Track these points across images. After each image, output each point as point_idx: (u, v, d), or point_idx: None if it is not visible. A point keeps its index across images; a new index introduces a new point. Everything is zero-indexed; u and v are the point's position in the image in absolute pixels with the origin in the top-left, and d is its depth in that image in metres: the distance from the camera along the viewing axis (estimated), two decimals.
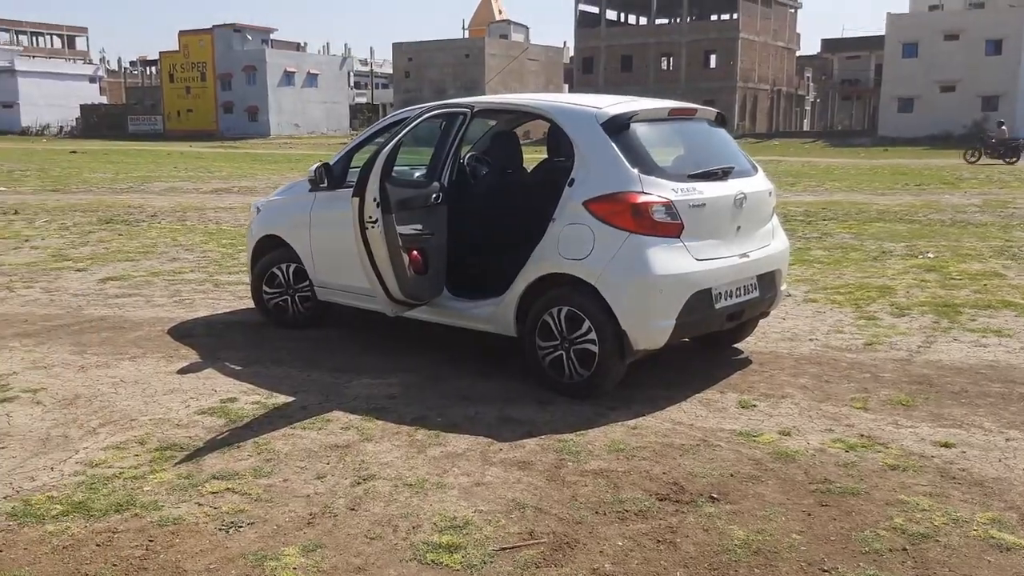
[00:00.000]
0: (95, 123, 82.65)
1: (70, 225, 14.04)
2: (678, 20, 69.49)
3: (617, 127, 5.31)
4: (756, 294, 5.68)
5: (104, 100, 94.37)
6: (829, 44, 79.14)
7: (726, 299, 5.42)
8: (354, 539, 3.62)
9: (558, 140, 6.00)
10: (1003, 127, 36.72)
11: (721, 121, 6.16)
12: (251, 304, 7.43)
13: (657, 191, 5.13)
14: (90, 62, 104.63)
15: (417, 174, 6.40)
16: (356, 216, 5.23)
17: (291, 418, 5.00)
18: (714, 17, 70.46)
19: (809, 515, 3.78)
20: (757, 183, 5.83)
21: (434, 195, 5.77)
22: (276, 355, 6.32)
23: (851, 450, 4.49)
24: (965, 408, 5.14)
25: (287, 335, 6.88)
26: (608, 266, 5.09)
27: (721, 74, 65.76)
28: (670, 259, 5.10)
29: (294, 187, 7.17)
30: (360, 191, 5.18)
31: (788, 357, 6.24)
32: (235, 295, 8.48)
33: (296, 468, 4.31)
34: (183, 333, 7.00)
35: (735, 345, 6.45)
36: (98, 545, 3.57)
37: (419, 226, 5.62)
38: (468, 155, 7.14)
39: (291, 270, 6.96)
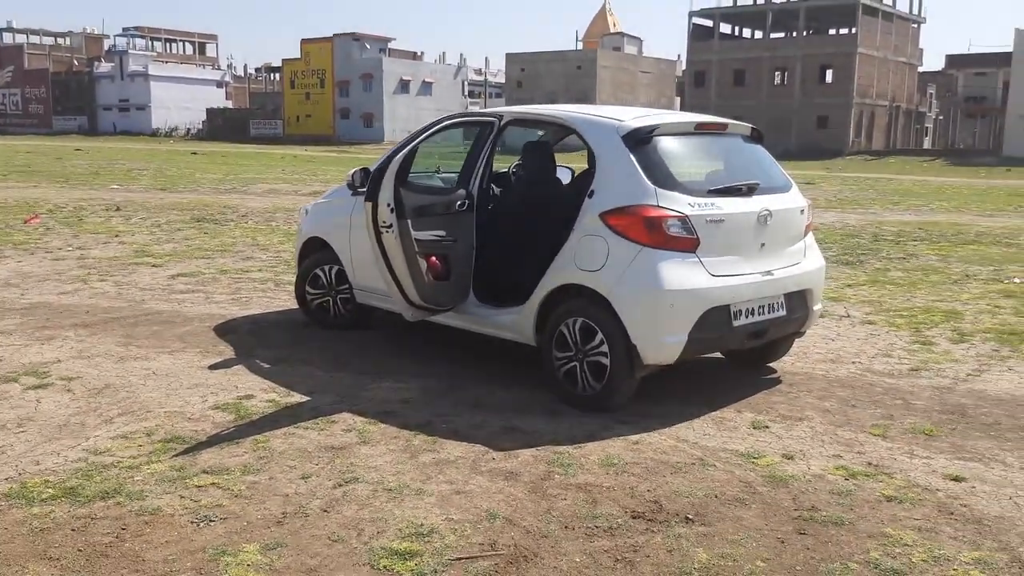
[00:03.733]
0: (220, 126, 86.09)
1: (162, 223, 14.63)
2: (794, 34, 67.81)
3: (638, 140, 5.23)
4: (783, 313, 5.48)
5: (229, 104, 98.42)
6: (954, 60, 76.17)
7: (747, 316, 5.26)
8: (316, 540, 3.63)
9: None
10: None
11: (757, 137, 5.99)
12: None
13: (673, 205, 5.01)
14: (218, 68, 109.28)
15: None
16: (369, 220, 5.29)
17: (298, 418, 5.07)
18: (832, 31, 68.56)
19: (782, 543, 3.61)
20: (787, 200, 5.63)
21: (459, 202, 5.78)
22: (308, 355, 6.42)
23: (851, 478, 4.26)
24: (992, 441, 4.82)
25: (327, 336, 6.99)
26: (620, 278, 5.00)
27: (837, 89, 63.78)
28: (683, 274, 4.97)
29: (339, 190, 7.29)
30: (372, 196, 5.24)
31: (822, 379, 5.99)
32: (292, 295, 8.64)
33: (285, 467, 4.36)
34: (228, 330, 7.19)
35: (769, 364, 6.24)
36: (72, 530, 3.68)
37: (441, 232, 5.64)
38: (515, 164, 7.15)
39: (333, 272, 7.07)
